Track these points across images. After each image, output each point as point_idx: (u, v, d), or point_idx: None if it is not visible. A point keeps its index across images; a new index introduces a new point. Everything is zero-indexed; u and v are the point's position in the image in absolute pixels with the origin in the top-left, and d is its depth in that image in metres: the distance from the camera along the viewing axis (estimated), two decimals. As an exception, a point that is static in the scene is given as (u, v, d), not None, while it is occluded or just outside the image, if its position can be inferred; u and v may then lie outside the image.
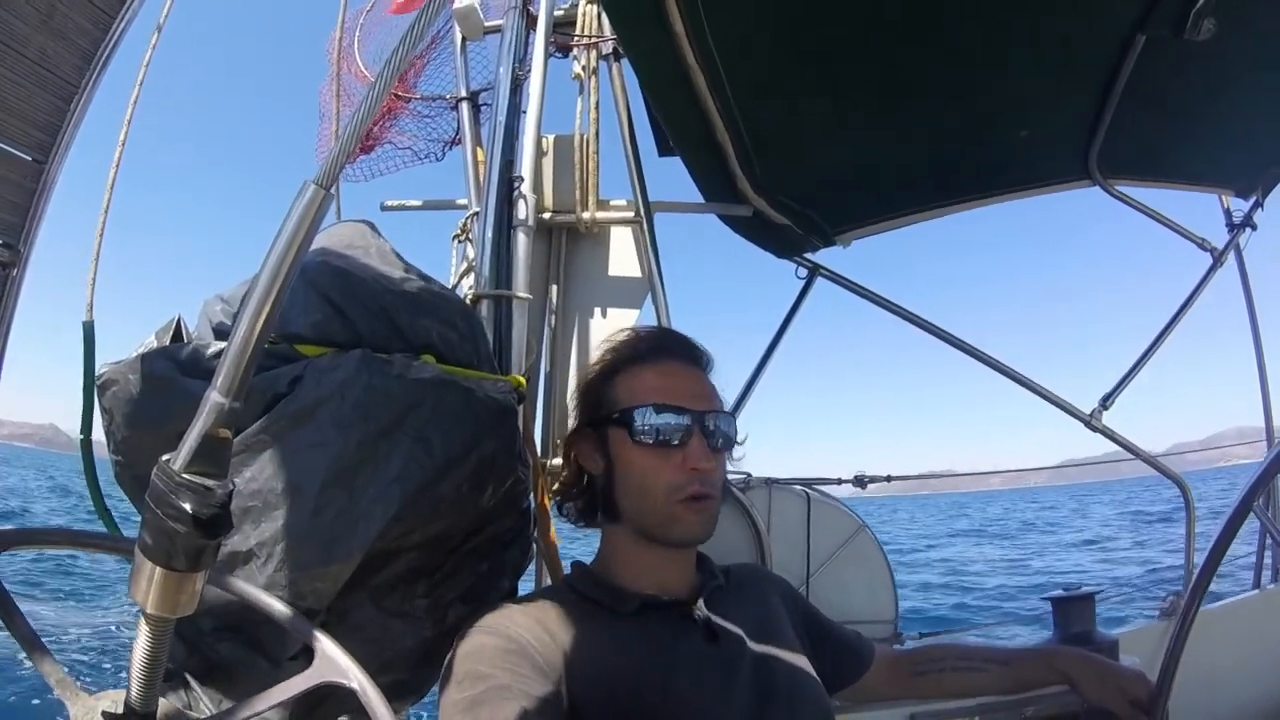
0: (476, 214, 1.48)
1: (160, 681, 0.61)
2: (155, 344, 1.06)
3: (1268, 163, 2.07)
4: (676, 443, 0.92)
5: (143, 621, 0.58)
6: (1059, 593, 1.52)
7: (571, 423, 1.07)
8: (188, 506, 0.51)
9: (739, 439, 1.02)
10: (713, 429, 0.95)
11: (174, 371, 0.96)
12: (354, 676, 0.69)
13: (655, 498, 0.91)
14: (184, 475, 0.52)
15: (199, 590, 0.57)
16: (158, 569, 0.54)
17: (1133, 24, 1.41)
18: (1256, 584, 2.24)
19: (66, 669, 0.66)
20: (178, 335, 1.09)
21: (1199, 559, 1.08)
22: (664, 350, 1.01)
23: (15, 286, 1.39)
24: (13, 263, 1.37)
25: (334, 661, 0.70)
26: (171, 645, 0.61)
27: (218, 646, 1.00)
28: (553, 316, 1.81)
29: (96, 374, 1.01)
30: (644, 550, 0.96)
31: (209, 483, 0.52)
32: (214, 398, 0.52)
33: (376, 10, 2.14)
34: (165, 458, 0.53)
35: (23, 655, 0.62)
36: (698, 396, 0.96)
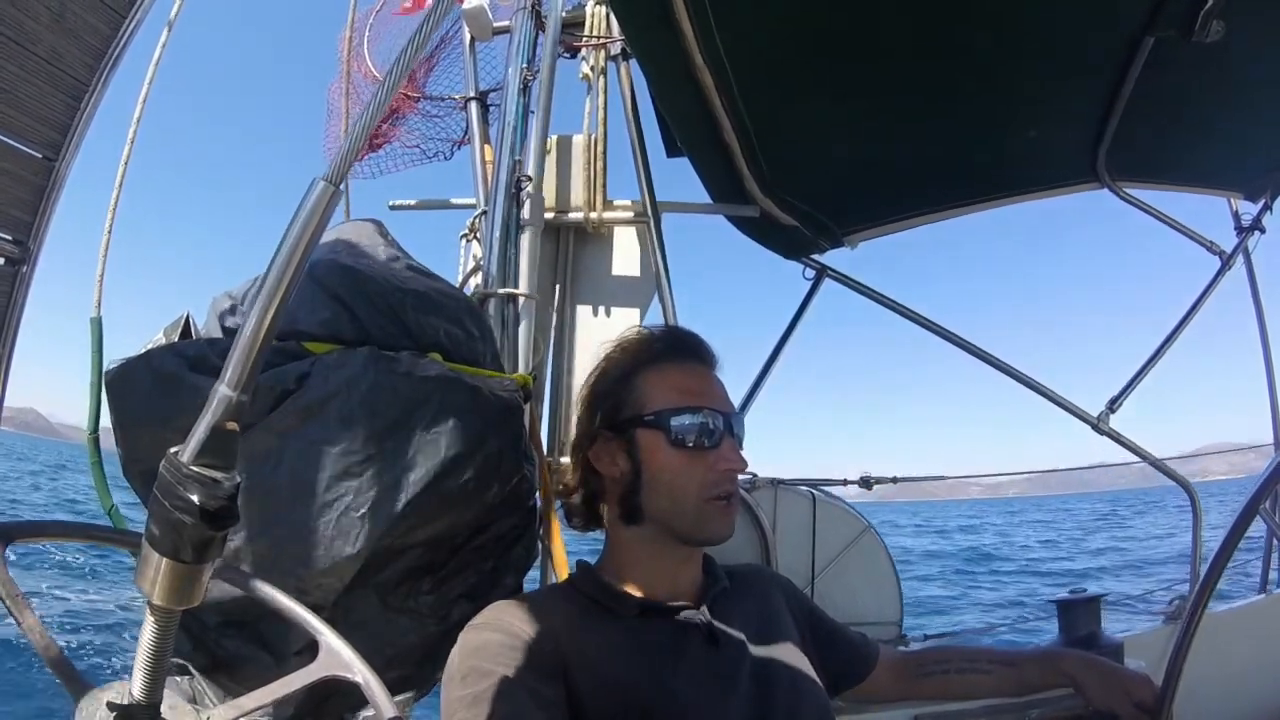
0: (485, 213, 1.48)
1: (165, 673, 0.61)
2: (164, 341, 1.07)
3: (1277, 165, 2.06)
4: (711, 444, 0.92)
5: (148, 613, 0.57)
6: (1064, 595, 1.51)
7: (575, 424, 1.06)
8: (195, 498, 0.51)
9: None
10: (737, 428, 0.96)
11: (183, 368, 0.96)
12: (358, 671, 0.69)
13: (688, 498, 0.92)
14: (191, 467, 0.52)
15: (205, 582, 0.57)
16: (164, 560, 0.54)
17: (1141, 26, 1.40)
18: (1263, 588, 2.23)
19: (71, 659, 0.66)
20: (186, 332, 1.10)
21: (1204, 563, 1.08)
22: (684, 350, 1.01)
23: (25, 284, 1.40)
24: (22, 259, 1.39)
25: (339, 655, 0.70)
26: (177, 639, 0.60)
27: (223, 641, 1.01)
28: (559, 316, 1.81)
29: (105, 370, 1.02)
30: (664, 552, 0.96)
31: (217, 475, 0.52)
32: (222, 390, 0.52)
33: (386, 11, 2.15)
34: (173, 450, 0.53)
35: (28, 645, 0.62)
36: (722, 397, 0.98)
